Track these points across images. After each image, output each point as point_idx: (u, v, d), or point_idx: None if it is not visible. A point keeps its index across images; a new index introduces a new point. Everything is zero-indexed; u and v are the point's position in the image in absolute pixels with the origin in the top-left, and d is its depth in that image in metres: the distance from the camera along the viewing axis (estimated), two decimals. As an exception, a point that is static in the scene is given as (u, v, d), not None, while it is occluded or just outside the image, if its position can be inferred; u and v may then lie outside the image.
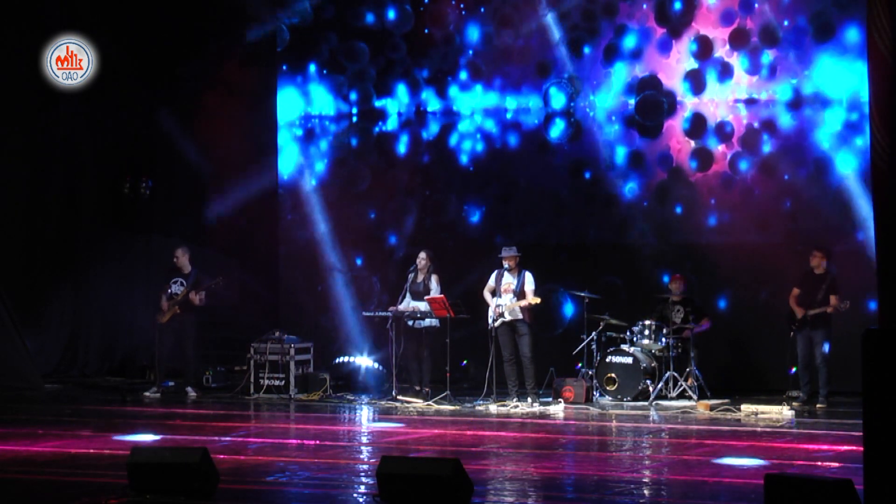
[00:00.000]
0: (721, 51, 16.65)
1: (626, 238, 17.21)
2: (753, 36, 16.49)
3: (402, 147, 18.26)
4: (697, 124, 16.85)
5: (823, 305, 14.66)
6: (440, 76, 17.98)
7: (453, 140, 17.99)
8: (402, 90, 18.18)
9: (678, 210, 17.00)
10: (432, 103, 18.05)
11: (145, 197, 18.40)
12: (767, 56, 16.48)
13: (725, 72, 16.70)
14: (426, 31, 17.96)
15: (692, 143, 16.88)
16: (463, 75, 17.87)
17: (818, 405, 14.56)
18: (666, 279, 16.37)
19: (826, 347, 14.63)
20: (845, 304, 14.62)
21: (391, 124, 18.28)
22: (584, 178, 17.39)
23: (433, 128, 18.06)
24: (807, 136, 16.37)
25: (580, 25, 17.26)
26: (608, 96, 17.22)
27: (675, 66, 16.92)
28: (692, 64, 16.81)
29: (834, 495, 7.35)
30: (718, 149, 16.77)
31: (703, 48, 16.75)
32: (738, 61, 16.61)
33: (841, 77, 16.10)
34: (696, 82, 16.83)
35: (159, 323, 16.38)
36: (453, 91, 17.91)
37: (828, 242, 15.78)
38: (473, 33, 17.76)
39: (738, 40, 16.57)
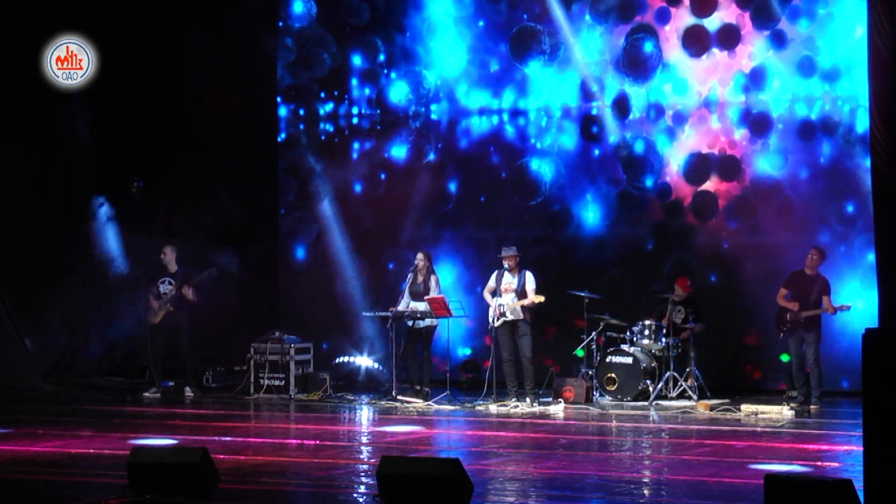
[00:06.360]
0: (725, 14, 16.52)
1: (627, 238, 17.20)
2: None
3: (402, 145, 18.26)
4: (702, 125, 16.86)
5: (816, 307, 14.53)
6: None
7: (452, 134, 17.98)
8: (400, 82, 18.22)
9: (678, 209, 16.99)
10: (433, 99, 18.09)
11: (136, 196, 18.36)
12: (776, 26, 16.26)
13: (729, 40, 16.51)
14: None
15: (692, 146, 16.89)
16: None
17: (812, 406, 14.49)
18: (664, 280, 16.37)
19: (816, 349, 14.47)
20: (847, 306, 14.38)
21: (391, 121, 18.29)
22: (584, 176, 17.38)
23: (434, 123, 18.06)
24: (810, 132, 16.34)
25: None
26: (609, 87, 17.25)
27: (671, 33, 16.79)
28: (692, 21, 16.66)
29: (834, 495, 7.34)
30: (718, 153, 16.78)
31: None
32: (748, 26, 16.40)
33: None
34: (697, 53, 16.70)
35: (152, 323, 16.37)
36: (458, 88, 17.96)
37: (829, 241, 15.78)
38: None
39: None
